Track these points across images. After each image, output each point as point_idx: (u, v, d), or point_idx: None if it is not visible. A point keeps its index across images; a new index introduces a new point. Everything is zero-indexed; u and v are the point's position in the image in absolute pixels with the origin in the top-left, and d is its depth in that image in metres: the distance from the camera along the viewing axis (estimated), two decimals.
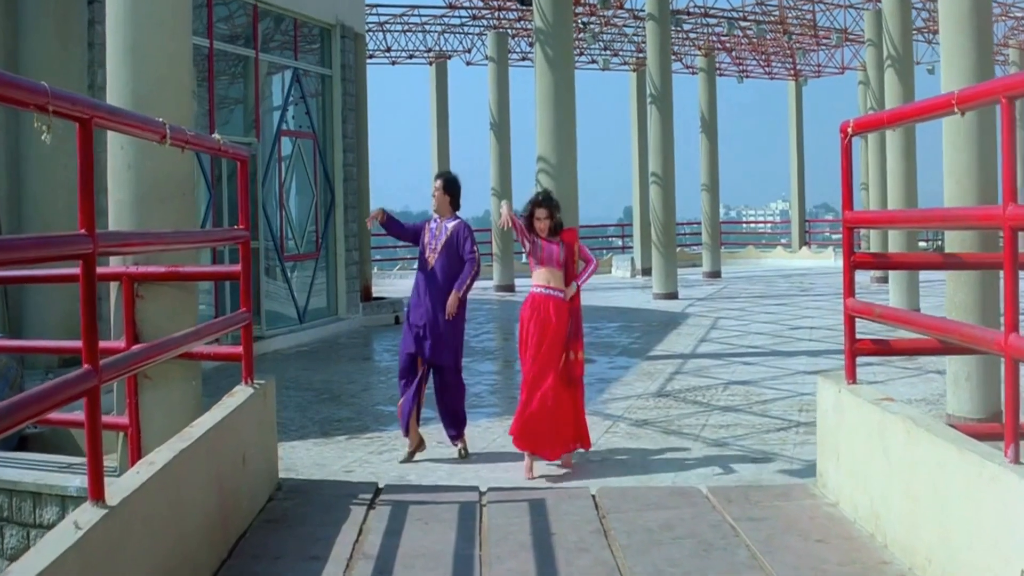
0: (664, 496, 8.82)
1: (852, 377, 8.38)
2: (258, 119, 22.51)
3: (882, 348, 9.21)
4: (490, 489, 9.33)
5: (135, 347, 8.36)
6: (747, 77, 52.43)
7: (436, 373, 12.39)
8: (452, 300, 12.11)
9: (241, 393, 8.24)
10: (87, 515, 5.12)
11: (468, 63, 45.51)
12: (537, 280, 11.71)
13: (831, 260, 45.67)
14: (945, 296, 13.58)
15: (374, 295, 27.87)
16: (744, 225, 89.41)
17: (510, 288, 37.06)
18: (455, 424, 12.46)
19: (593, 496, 8.92)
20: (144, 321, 8.95)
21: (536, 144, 19.18)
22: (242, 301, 8.57)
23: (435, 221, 12.34)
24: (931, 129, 12.59)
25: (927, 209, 12.06)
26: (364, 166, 26.61)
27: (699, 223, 45.24)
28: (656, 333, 23.77)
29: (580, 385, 11.98)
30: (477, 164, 46.52)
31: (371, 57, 43.14)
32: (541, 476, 11.23)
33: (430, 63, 43.44)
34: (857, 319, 8.88)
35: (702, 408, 15.16)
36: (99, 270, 9.75)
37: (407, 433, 12.31)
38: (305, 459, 12.65)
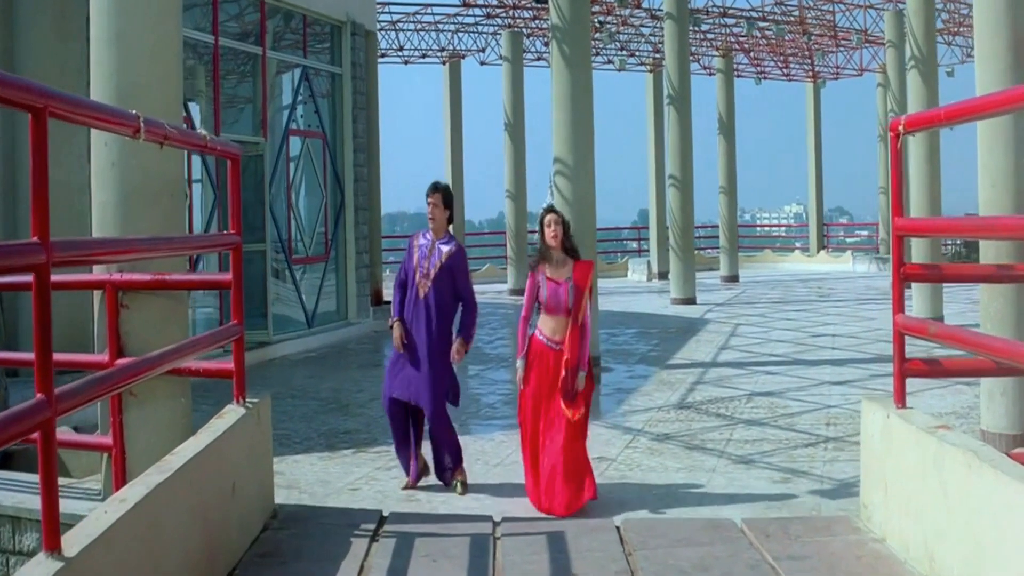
0: (696, 530, 8.03)
1: (902, 401, 7.60)
2: (265, 118, 21.85)
3: (935, 369, 8.45)
4: (504, 520, 8.57)
5: (119, 363, 7.69)
6: (765, 78, 51.67)
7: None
8: (460, 348, 10.91)
9: (232, 414, 7.49)
10: (40, 569, 4.42)
11: (482, 63, 44.79)
12: (542, 326, 10.48)
13: (849, 265, 44.97)
14: (980, 305, 12.83)
15: (385, 299, 27.17)
16: (758, 228, 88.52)
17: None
18: (447, 456, 11.23)
19: (618, 528, 8.15)
20: (129, 333, 8.23)
21: (552, 145, 18.48)
22: (233, 312, 7.78)
23: (426, 238, 11.00)
24: (947, 134, 11.87)
25: (989, 218, 11.26)
26: (375, 166, 25.93)
27: (715, 226, 44.58)
28: (675, 340, 23.07)
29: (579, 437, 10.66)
30: (491, 166, 45.79)
31: (383, 56, 42.53)
32: None
33: (443, 63, 42.76)
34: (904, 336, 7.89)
35: (725, 421, 14.48)
36: (81, 278, 9.24)
37: (408, 472, 11.34)
38: (309, 475, 11.99)
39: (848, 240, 60.62)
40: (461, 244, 11.22)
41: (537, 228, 10.68)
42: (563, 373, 10.28)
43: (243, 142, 20.97)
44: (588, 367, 10.49)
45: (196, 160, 20.26)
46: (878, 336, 22.34)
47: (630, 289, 37.52)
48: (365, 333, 24.60)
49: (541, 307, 10.42)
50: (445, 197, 11.04)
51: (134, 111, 5.66)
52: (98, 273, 8.33)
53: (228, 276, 7.47)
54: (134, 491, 5.48)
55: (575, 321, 10.32)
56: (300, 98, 23.95)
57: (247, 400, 7.82)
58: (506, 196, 37.99)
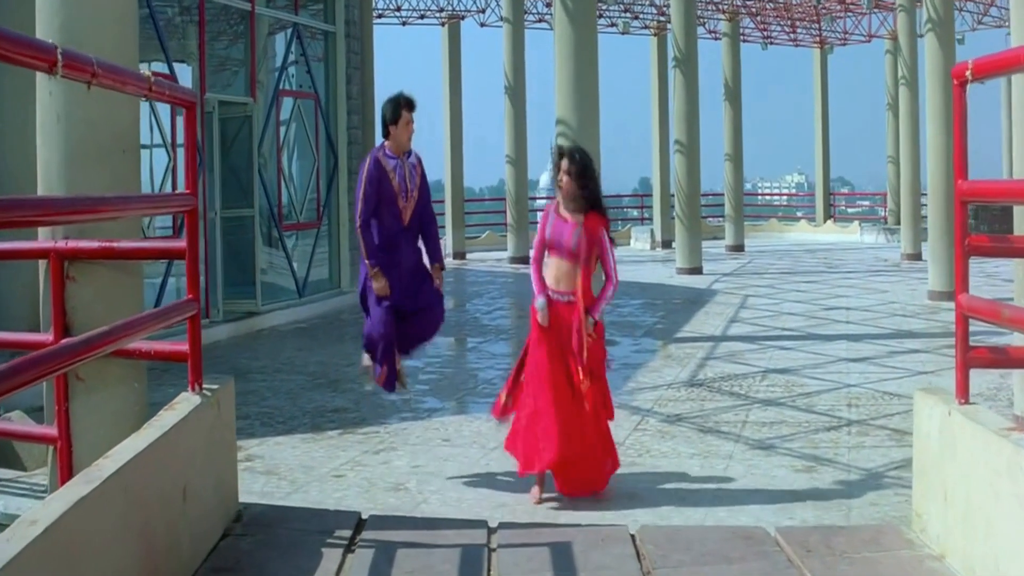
0: (724, 541, 6.93)
1: (965, 395, 6.52)
2: (254, 77, 20.76)
3: (1002, 359, 7.32)
4: (501, 526, 7.51)
5: (63, 342, 6.66)
6: (771, 43, 50.49)
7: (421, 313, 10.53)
8: (439, 274, 10.46)
9: (184, 404, 6.41)
10: None
11: (482, 24, 43.59)
12: (546, 274, 9.43)
13: (856, 235, 43.88)
14: (1016, 280, 11.79)
15: None
16: (760, 197, 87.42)
17: (525, 260, 35.29)
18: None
19: (633, 537, 7.09)
20: (76, 309, 7.18)
21: (555, 105, 17.47)
22: (188, 285, 6.65)
23: (393, 159, 10.06)
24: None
25: None
26: (370, 129, 24.81)
27: (720, 195, 43.57)
28: (682, 312, 22.07)
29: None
30: (491, 130, 44.66)
31: (380, 17, 41.43)
32: (550, 499, 9.42)
33: (442, 24, 41.56)
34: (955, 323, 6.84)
35: (740, 401, 13.52)
36: (22, 246, 8.21)
37: (384, 376, 10.49)
38: (290, 459, 11.04)
39: (850, 210, 59.39)
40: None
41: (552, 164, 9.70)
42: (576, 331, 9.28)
43: (231, 103, 19.93)
44: (599, 324, 9.41)
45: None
46: (893, 310, 21.38)
47: (633, 258, 36.47)
48: (358, 302, 23.53)
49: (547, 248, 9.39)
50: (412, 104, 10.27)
51: (51, 41, 4.61)
52: (42, 240, 7.30)
53: (181, 243, 6.35)
54: (50, 509, 4.46)
55: (585, 271, 9.22)
56: (292, 57, 22.85)
57: (205, 387, 6.72)
58: (506, 161, 36.92)
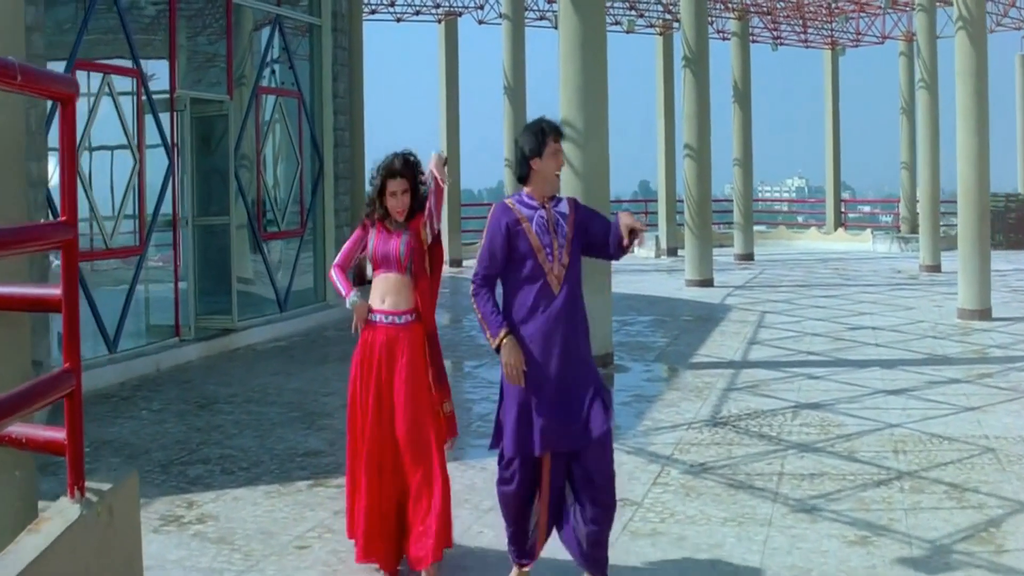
0: None
1: None
2: (230, 73, 19.03)
3: None
4: None
5: None
6: (781, 44, 48.76)
7: (575, 462, 7.55)
8: (629, 219, 7.46)
9: (56, 520, 4.47)
10: None
11: (480, 21, 41.88)
12: (372, 298, 7.97)
13: (869, 244, 42.14)
14: None
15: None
16: (760, 203, 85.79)
17: None
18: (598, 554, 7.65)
19: None
20: None
21: (559, 105, 15.82)
22: (65, 351, 4.72)
23: (534, 207, 7.52)
24: None
25: None
26: (358, 130, 23.10)
27: (727, 200, 41.93)
28: (696, 331, 20.34)
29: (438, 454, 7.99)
30: (489, 131, 42.88)
31: (373, 12, 39.80)
32: None
33: (439, 20, 39.81)
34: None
35: (772, 445, 11.85)
36: None
37: (527, 555, 7.80)
38: (249, 521, 9.38)
39: (851, 216, 57.47)
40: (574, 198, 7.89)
41: (372, 181, 8.12)
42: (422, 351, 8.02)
43: (205, 101, 18.19)
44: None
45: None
46: (923, 331, 19.67)
47: (638, 267, 34.77)
48: (345, 317, 21.61)
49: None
50: (558, 130, 7.68)
51: None
52: None
53: (55, 292, 4.48)
54: None
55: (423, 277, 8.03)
56: (274, 53, 21.07)
57: (92, 489, 4.81)
58: (505, 166, 35.17)
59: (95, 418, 12.95)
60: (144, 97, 16.48)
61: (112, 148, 16.10)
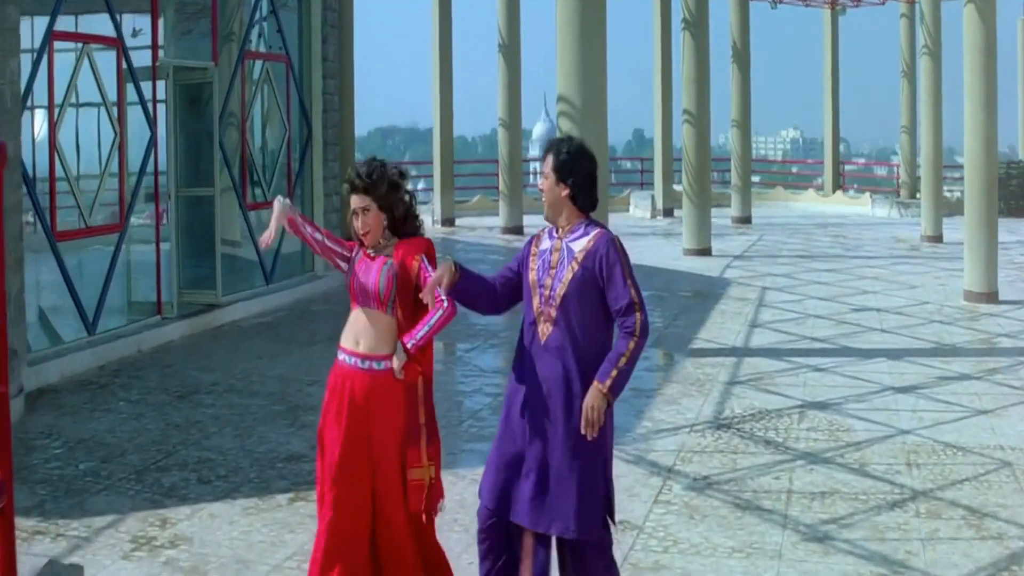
0: None
1: None
2: (215, 38, 18.27)
3: None
4: None
5: None
6: (780, 2, 47.89)
7: (560, 552, 6.70)
8: (591, 399, 6.39)
9: None
10: None
11: None
12: (344, 337, 6.83)
13: (867, 208, 41.42)
14: None
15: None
16: (757, 163, 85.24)
17: (518, 230, 32.96)
18: None
19: None
20: None
21: (556, 80, 15.12)
22: None
23: (551, 236, 6.73)
24: None
25: None
26: (348, 94, 22.36)
27: (724, 159, 41.25)
28: (695, 310, 19.71)
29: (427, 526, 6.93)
30: (483, 90, 42.07)
31: None
32: None
33: None
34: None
35: (779, 454, 11.30)
36: None
37: None
38: (224, 545, 8.82)
39: (847, 167, 56.49)
40: (613, 235, 6.70)
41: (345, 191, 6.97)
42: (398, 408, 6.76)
43: (189, 68, 17.48)
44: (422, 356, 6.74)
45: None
46: (929, 314, 19.07)
47: (634, 229, 34.08)
48: (333, 288, 21.02)
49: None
50: (564, 161, 6.61)
51: None
52: None
53: None
54: None
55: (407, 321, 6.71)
56: (260, 14, 20.28)
57: None
58: (500, 125, 34.47)
59: (71, 411, 12.44)
60: (125, 67, 15.75)
61: (97, 105, 15.39)
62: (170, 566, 8.31)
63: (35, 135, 14.16)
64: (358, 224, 6.74)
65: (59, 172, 14.36)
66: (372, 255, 6.79)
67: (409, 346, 6.54)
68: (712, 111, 29.60)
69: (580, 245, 6.55)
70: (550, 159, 6.62)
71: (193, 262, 17.51)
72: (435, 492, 6.78)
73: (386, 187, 6.70)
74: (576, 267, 6.50)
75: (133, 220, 15.93)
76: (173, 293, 16.64)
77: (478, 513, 6.80)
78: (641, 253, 26.85)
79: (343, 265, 6.92)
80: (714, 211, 29.26)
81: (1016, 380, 14.20)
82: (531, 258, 6.71)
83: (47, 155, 14.18)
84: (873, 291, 21.76)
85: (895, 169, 47.76)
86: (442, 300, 6.52)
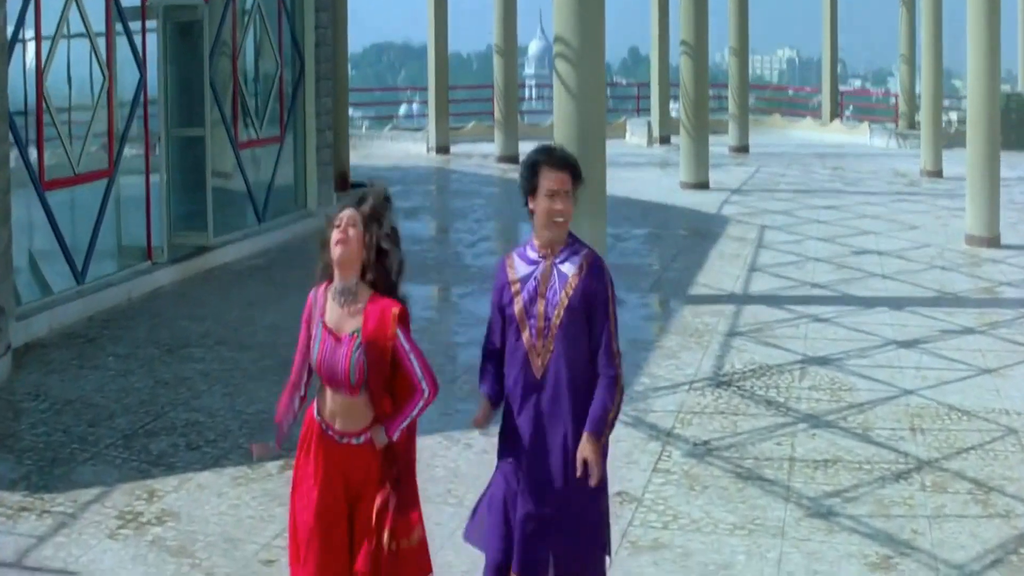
0: None
1: None
2: None
3: None
4: None
5: None
6: None
7: None
8: (589, 452, 5.93)
9: None
10: None
11: None
12: (319, 403, 6.05)
13: (865, 137, 40.95)
14: None
15: (352, 181, 23.41)
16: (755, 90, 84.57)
17: (513, 160, 32.62)
18: None
19: None
20: None
21: (553, 18, 14.73)
22: None
23: (531, 261, 6.16)
24: None
25: None
26: (341, 27, 22.00)
27: (722, 85, 40.74)
28: (693, 252, 19.41)
29: None
30: (479, 4, 41.42)
31: None
32: None
33: None
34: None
35: (780, 417, 11.10)
36: None
37: None
38: (212, 521, 8.64)
39: (841, 87, 55.87)
40: (595, 252, 6.22)
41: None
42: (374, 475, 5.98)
43: (179, 6, 17.08)
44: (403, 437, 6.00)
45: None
46: (930, 258, 18.76)
47: (630, 158, 33.68)
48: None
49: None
50: (575, 171, 6.08)
51: None
52: None
53: None
54: None
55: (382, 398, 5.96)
56: None
57: None
58: (495, 52, 34.02)
59: (59, 368, 12.18)
60: (114, 7, 15.36)
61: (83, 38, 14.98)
62: (156, 546, 8.10)
63: (24, 79, 13.75)
64: (338, 233, 5.77)
65: (47, 120, 13.98)
66: (335, 330, 5.87)
67: (394, 437, 5.92)
68: (710, 32, 29.06)
69: (571, 268, 6.04)
70: (568, 176, 6.03)
71: (184, 204, 17.19)
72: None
73: (377, 225, 5.83)
74: (571, 292, 6.01)
75: (123, 164, 15.54)
76: (164, 237, 16.29)
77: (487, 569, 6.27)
78: (638, 187, 26.65)
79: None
80: (711, 138, 28.83)
81: (1020, 335, 13.96)
82: (509, 288, 6.13)
83: (35, 102, 13.80)
84: (873, 232, 21.44)
85: (894, 99, 47.20)
86: (423, 388, 5.87)
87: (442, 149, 35.43)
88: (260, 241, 18.80)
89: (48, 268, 14.26)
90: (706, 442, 10.33)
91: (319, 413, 6.00)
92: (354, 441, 5.95)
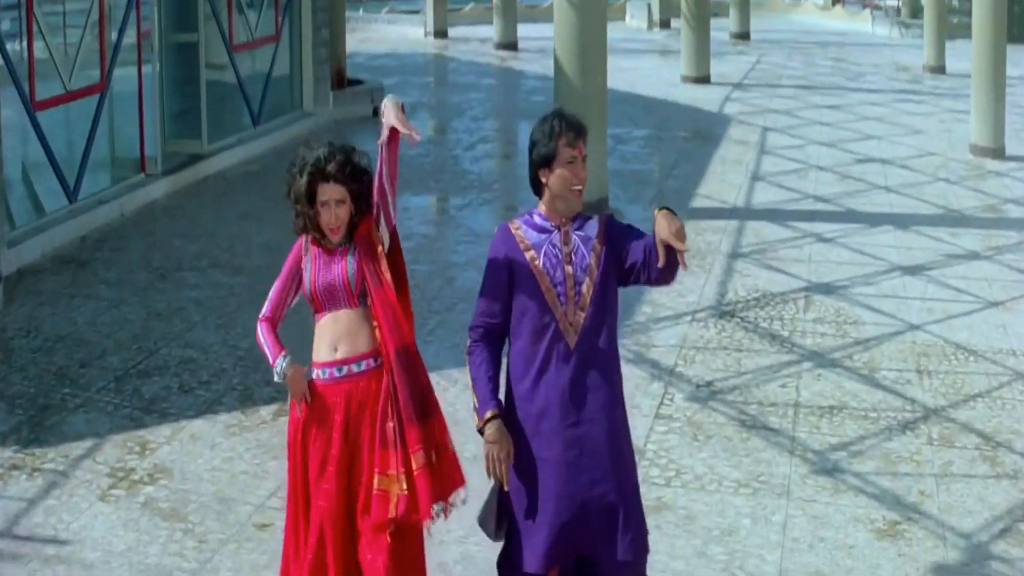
0: None
1: None
2: None
3: None
4: None
5: None
6: None
7: None
8: (669, 221, 5.44)
9: None
10: None
11: None
12: (316, 350, 5.89)
13: (867, 25, 40.37)
14: None
15: (349, 78, 22.99)
16: None
17: (512, 46, 32.19)
18: None
19: None
20: None
21: None
22: None
23: (546, 231, 5.74)
24: None
25: None
26: None
27: None
28: (694, 157, 19.03)
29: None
30: None
31: None
32: None
33: None
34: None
35: (785, 354, 10.90)
36: None
37: None
38: (204, 478, 8.49)
39: None
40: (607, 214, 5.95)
41: (292, 180, 6.01)
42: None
43: None
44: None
45: None
46: (935, 168, 18.44)
47: (629, 43, 33.22)
48: (323, 126, 20.38)
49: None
50: (579, 130, 5.69)
51: None
52: None
53: None
54: None
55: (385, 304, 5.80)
56: None
57: None
58: None
59: (51, 299, 11.83)
60: None
61: None
62: (148, 508, 7.92)
63: None
64: (329, 217, 5.80)
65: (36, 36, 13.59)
66: (330, 248, 5.90)
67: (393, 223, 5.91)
68: None
69: (592, 231, 5.72)
70: (582, 142, 5.68)
71: (178, 111, 16.79)
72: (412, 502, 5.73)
73: (360, 176, 5.86)
74: (600, 252, 5.66)
75: (115, 75, 15.16)
76: (157, 147, 15.90)
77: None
78: (639, 80, 26.30)
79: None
80: (712, 22, 28.29)
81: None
82: (522, 255, 5.70)
83: (26, 22, 13.38)
84: (876, 136, 21.09)
85: None
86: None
87: (440, 33, 34.99)
88: (255, 146, 18.42)
89: (41, 188, 13.87)
90: (709, 383, 10.16)
91: (320, 364, 5.83)
92: (355, 368, 5.79)
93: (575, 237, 5.69)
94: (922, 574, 7.41)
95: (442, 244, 14.18)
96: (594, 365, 5.64)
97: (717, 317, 11.76)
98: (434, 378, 9.92)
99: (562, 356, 5.63)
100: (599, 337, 5.64)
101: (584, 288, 5.62)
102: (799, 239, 14.49)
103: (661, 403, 9.72)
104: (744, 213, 15.66)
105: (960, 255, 13.86)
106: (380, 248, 5.86)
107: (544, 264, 5.65)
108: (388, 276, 5.82)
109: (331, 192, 5.77)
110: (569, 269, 5.63)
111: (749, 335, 11.31)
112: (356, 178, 5.82)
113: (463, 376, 9.92)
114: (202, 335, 10.96)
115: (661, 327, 11.47)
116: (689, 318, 11.71)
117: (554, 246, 5.67)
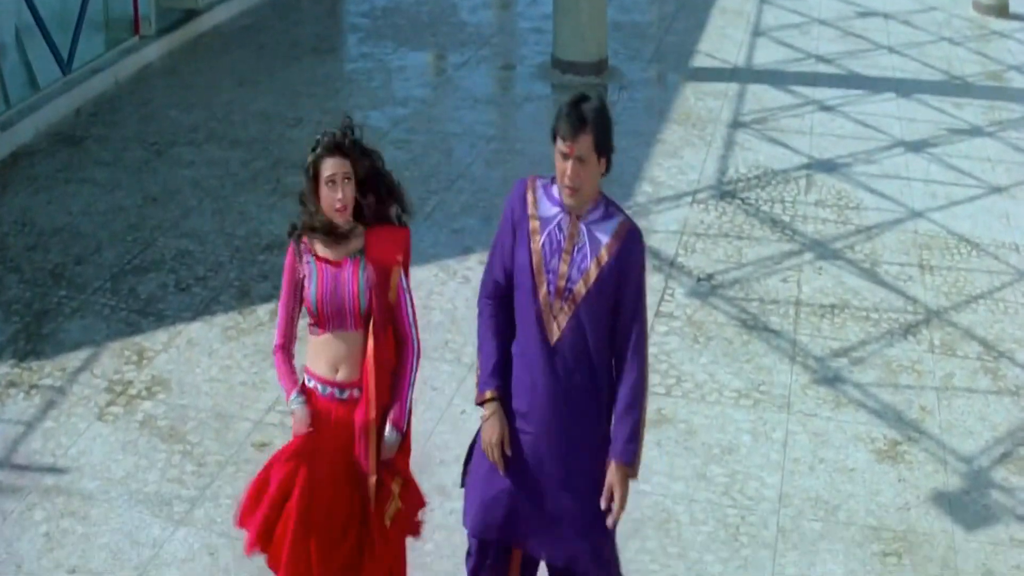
0: None
1: None
2: None
3: None
4: None
5: None
6: None
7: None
8: (625, 489, 5.24)
9: None
10: None
11: None
12: (313, 362, 5.52)
13: None
14: None
15: None
16: None
17: None
18: None
19: None
20: None
21: None
22: None
23: (558, 201, 5.22)
24: None
25: None
26: None
27: None
28: (694, 8, 18.36)
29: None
30: None
31: None
32: None
33: None
34: None
35: (786, 243, 10.81)
36: None
37: None
38: (202, 391, 8.46)
39: None
40: (632, 221, 5.28)
41: (310, 160, 5.34)
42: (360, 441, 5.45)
43: None
44: (407, 426, 5.55)
45: None
46: (938, 26, 17.79)
47: None
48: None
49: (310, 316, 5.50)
50: (597, 123, 4.99)
51: None
52: None
53: None
54: None
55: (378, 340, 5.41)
56: None
57: None
58: None
59: (46, 185, 11.46)
60: None
61: None
62: (147, 427, 7.88)
63: None
64: (331, 195, 5.25)
65: None
66: (332, 258, 5.40)
67: (403, 428, 5.51)
68: None
69: (606, 235, 5.14)
70: (587, 139, 4.96)
71: None
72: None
73: (366, 156, 5.37)
74: (603, 264, 5.13)
75: None
76: (151, 3, 15.44)
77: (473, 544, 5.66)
78: None
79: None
80: None
81: None
82: (527, 222, 5.24)
83: None
84: None
85: None
86: (413, 337, 5.50)
87: None
88: None
89: (33, 58, 13.45)
90: (710, 276, 10.08)
91: (317, 377, 5.49)
92: (356, 393, 5.42)
93: (584, 232, 5.17)
94: (921, 502, 7.43)
95: (440, 110, 13.83)
96: (575, 370, 5.23)
97: (718, 198, 11.60)
98: (432, 270, 10.01)
99: (543, 348, 5.23)
100: (583, 341, 5.20)
101: (577, 289, 5.16)
102: (801, 107, 14.21)
103: (662, 299, 9.65)
104: (745, 75, 15.32)
105: (963, 129, 13.57)
106: (391, 295, 5.43)
107: (543, 245, 5.18)
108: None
109: (336, 166, 5.22)
110: (564, 267, 5.17)
111: (750, 219, 11.17)
112: (365, 153, 5.35)
113: (462, 267, 9.95)
114: (198, 223, 10.73)
115: (662, 209, 11.32)
116: (690, 199, 11.56)
117: (560, 230, 5.18)
